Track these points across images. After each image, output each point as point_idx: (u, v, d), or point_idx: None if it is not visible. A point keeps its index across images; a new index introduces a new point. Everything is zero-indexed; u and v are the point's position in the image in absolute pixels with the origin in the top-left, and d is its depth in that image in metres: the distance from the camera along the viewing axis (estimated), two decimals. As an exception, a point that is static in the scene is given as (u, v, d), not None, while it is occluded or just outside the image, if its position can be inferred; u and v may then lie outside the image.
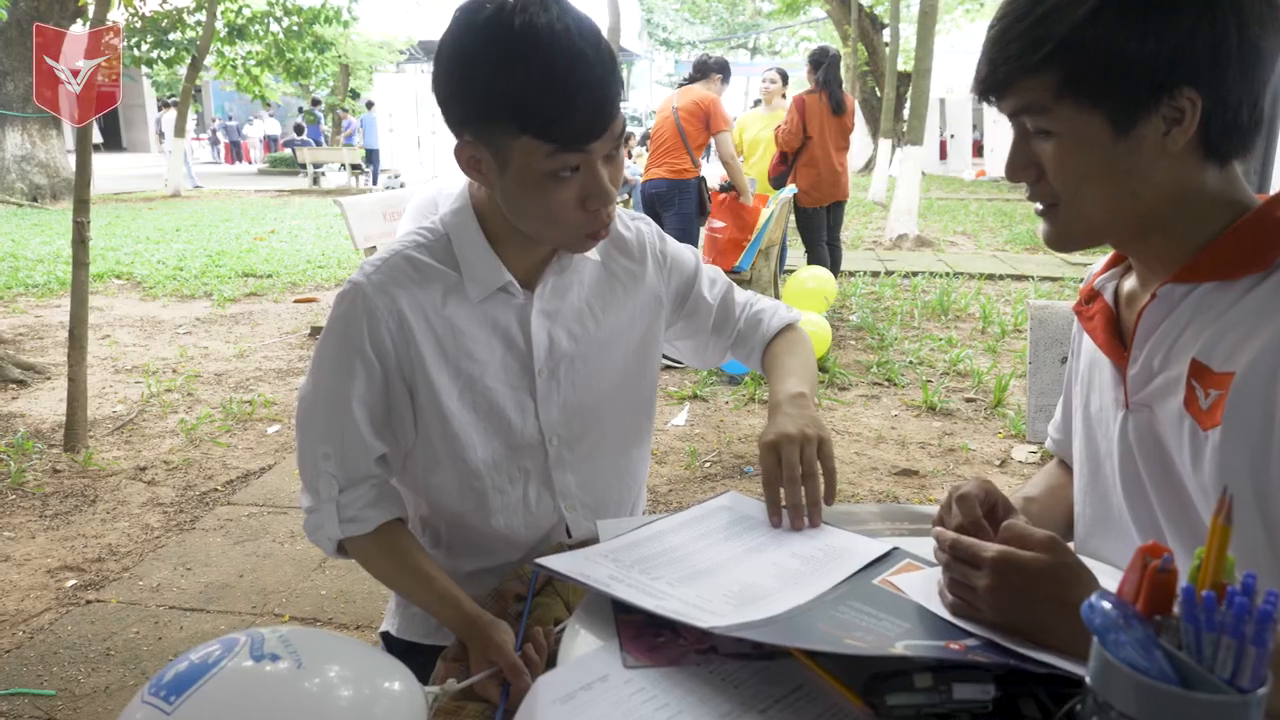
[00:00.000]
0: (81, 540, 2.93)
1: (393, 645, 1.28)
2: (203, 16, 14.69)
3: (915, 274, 7.82)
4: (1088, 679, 0.58)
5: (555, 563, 0.95)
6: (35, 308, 6.45)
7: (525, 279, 1.17)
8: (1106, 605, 0.58)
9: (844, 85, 5.95)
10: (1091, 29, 0.81)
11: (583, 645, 0.84)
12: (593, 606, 0.90)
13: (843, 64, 6.09)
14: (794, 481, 1.03)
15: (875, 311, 6.27)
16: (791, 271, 7.46)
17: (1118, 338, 0.97)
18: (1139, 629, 0.57)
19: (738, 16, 33.81)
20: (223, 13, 15.05)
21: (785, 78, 6.69)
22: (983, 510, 0.90)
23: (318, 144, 19.58)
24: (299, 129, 21.28)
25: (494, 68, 0.95)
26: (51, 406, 4.24)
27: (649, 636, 0.85)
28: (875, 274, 7.83)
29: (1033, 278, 7.64)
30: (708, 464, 3.58)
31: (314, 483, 1.15)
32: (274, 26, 15.76)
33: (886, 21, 17.17)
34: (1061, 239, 0.93)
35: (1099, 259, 1.08)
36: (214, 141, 29.12)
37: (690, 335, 1.36)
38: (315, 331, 5.65)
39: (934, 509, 1.13)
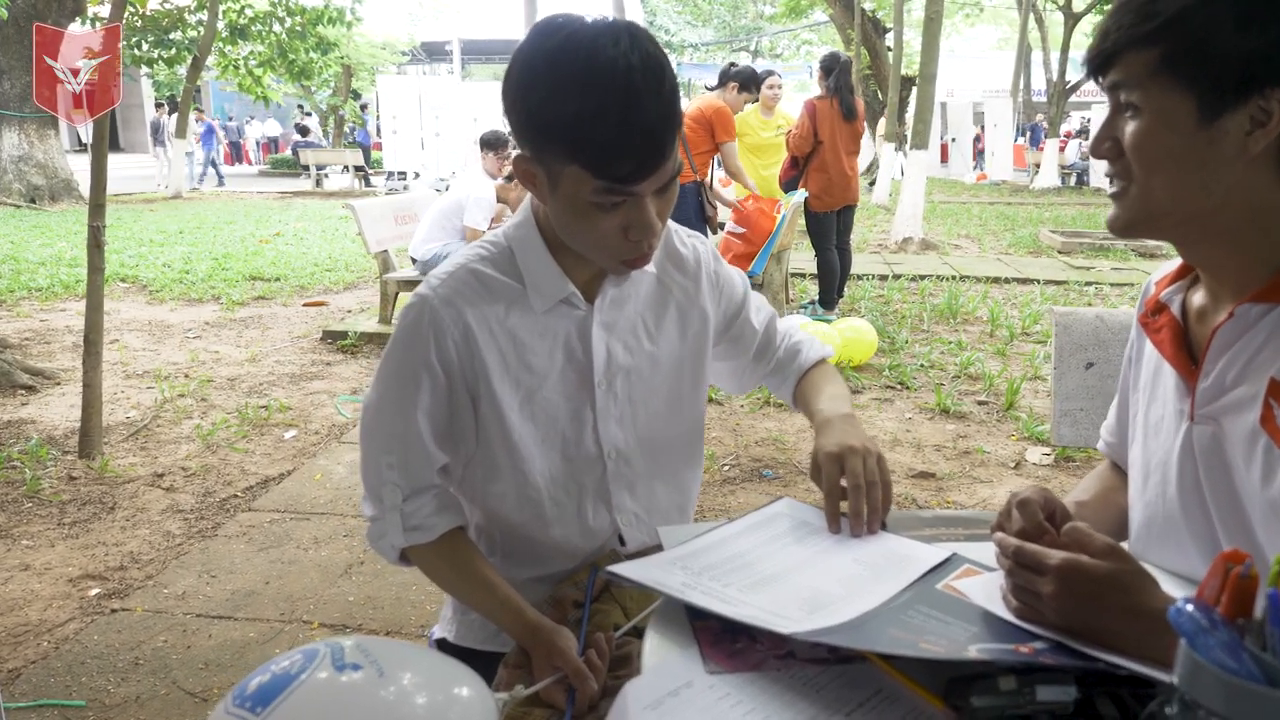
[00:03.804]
0: (102, 548, 2.94)
1: (448, 652, 1.29)
2: (204, 16, 14.70)
3: (922, 277, 7.84)
4: (1175, 679, 0.60)
5: (628, 570, 0.96)
6: (40, 311, 6.45)
7: (585, 290, 1.18)
8: (1192, 609, 0.61)
9: (854, 90, 5.96)
10: (1201, 12, 0.83)
11: (663, 652, 0.86)
12: (667, 613, 0.92)
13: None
14: (859, 489, 1.05)
15: (884, 315, 6.29)
16: (799, 275, 7.51)
17: (1186, 350, 0.98)
18: (1224, 632, 0.60)
19: (740, 19, 33.88)
20: (225, 12, 15.08)
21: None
22: (1043, 516, 0.92)
23: (365, 148, 19.45)
24: (303, 130, 21.30)
25: (552, 94, 0.96)
26: (63, 412, 4.25)
27: (727, 642, 0.86)
28: (883, 277, 7.86)
29: (1038, 281, 7.67)
30: (726, 467, 3.59)
31: (378, 491, 1.17)
32: (276, 27, 15.78)
33: (889, 25, 17.23)
34: (1124, 223, 0.94)
35: (1164, 267, 1.09)
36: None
37: (731, 358, 1.38)
38: (327, 335, 5.66)
39: (985, 514, 1.15)
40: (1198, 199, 0.88)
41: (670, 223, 1.31)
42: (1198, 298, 0.99)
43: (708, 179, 5.46)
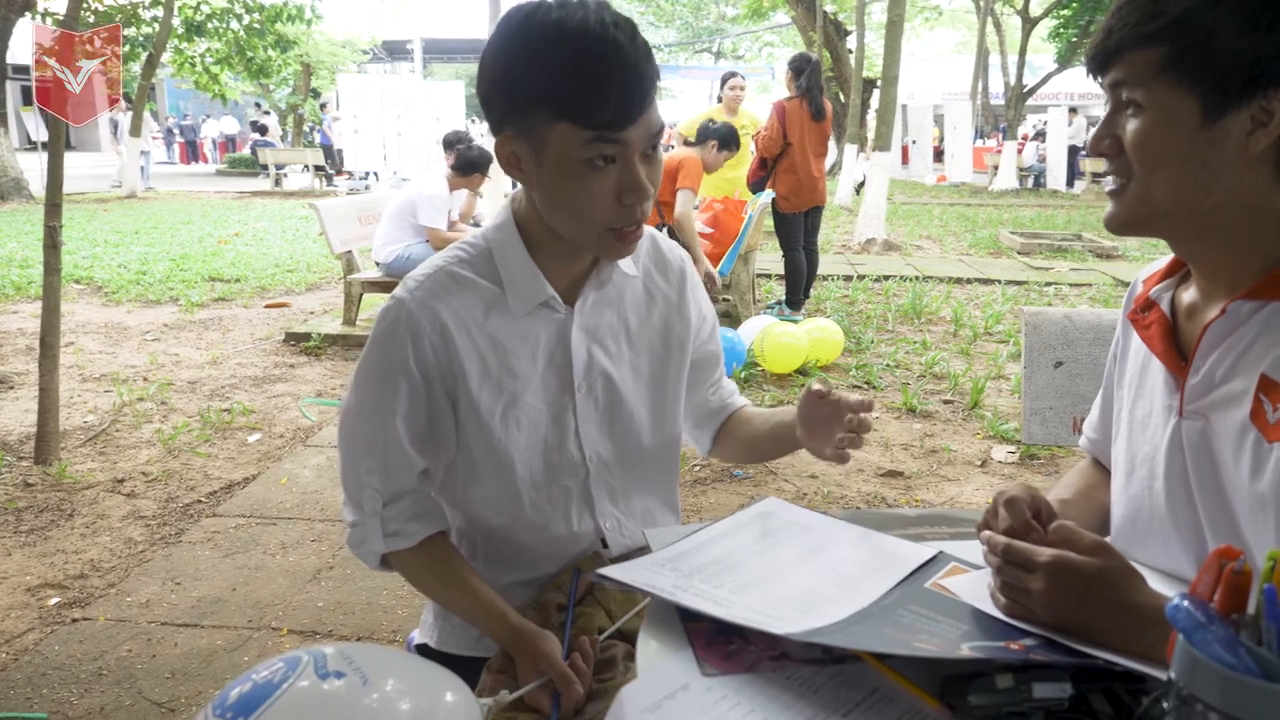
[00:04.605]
0: (61, 556, 2.86)
1: (430, 657, 1.27)
2: (159, 12, 14.39)
3: (886, 278, 7.92)
4: (1172, 674, 0.61)
5: (618, 573, 0.96)
6: (-9, 314, 6.28)
7: (566, 293, 1.17)
8: (1189, 605, 0.62)
9: (823, 91, 6.00)
10: (1207, 12, 0.84)
11: (657, 654, 0.85)
12: (659, 615, 0.91)
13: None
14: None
15: (850, 315, 6.34)
16: (764, 275, 7.55)
17: (1175, 347, 1.00)
18: (1220, 628, 0.61)
19: (702, 21, 34.01)
20: (180, 9, 14.78)
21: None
22: (1029, 514, 0.93)
23: (327, 147, 19.08)
24: (262, 129, 20.98)
25: (531, 57, 0.99)
26: (16, 417, 4.13)
27: (721, 644, 0.86)
28: (847, 278, 7.92)
29: (999, 281, 7.78)
30: (697, 467, 3.60)
31: (357, 497, 1.15)
32: (234, 24, 15.49)
33: (850, 28, 17.39)
34: (1123, 220, 0.95)
35: (1151, 265, 1.10)
36: (168, 141, 28.60)
37: (688, 384, 1.36)
38: (290, 337, 5.57)
39: (970, 513, 1.16)
40: (1197, 198, 0.89)
41: (652, 230, 1.31)
42: (1187, 295, 1.01)
43: (664, 229, 5.34)
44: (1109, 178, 0.95)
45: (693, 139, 6.73)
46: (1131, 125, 0.91)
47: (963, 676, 0.77)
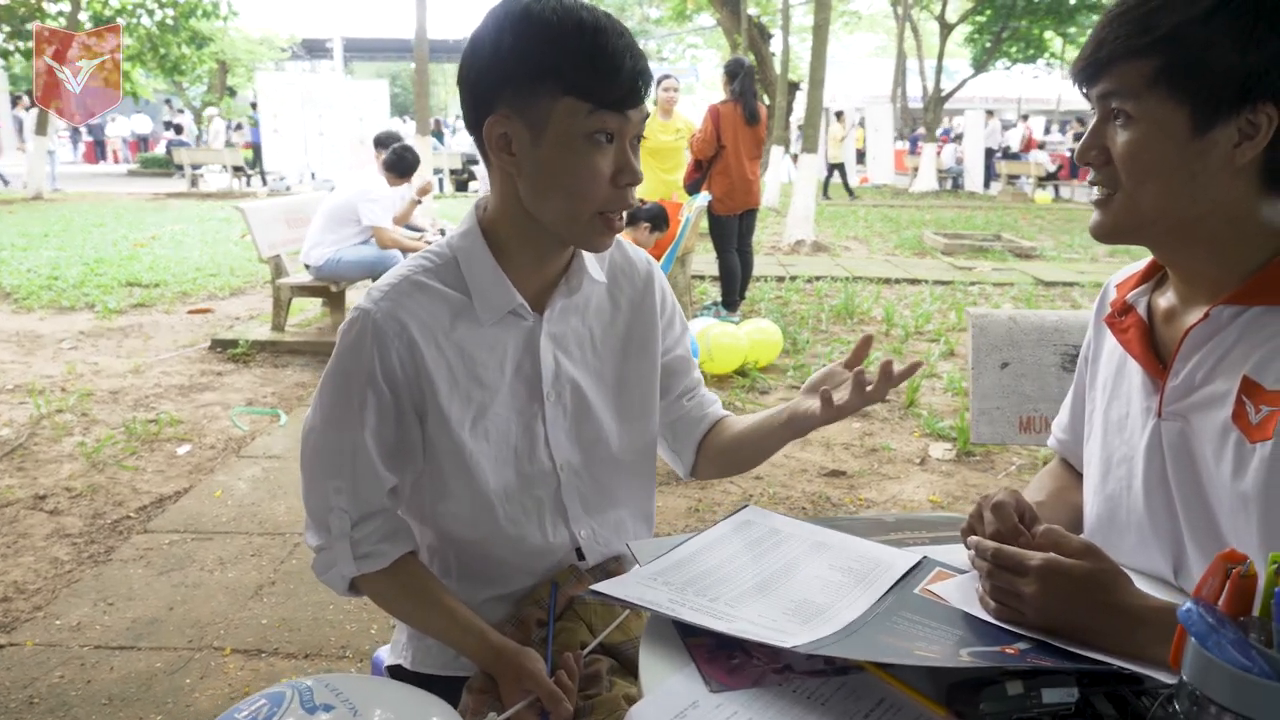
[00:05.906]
0: (-20, 578, 2.71)
1: (405, 679, 1.23)
2: (66, 6, 13.78)
3: (817, 279, 8.05)
4: (1184, 676, 0.63)
5: (611, 589, 0.94)
6: (-112, 323, 5.92)
7: (534, 301, 1.16)
8: (1201, 610, 0.64)
9: (757, 95, 6.06)
10: (1200, 27, 0.86)
11: (661, 672, 0.84)
12: (657, 631, 0.90)
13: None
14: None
15: (784, 315, 6.42)
16: (699, 277, 7.60)
17: (1152, 350, 1.03)
18: (1231, 631, 0.63)
19: (626, 22, 34.11)
20: (89, 3, 14.17)
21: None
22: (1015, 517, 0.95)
23: (255, 146, 18.22)
24: (177, 128, 20.22)
25: (543, 34, 1.01)
26: (-77, 432, 3.91)
27: (723, 659, 0.85)
28: (780, 279, 8.02)
29: (926, 281, 7.98)
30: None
31: (324, 519, 1.11)
32: (146, 19, 14.91)
33: (774, 31, 17.62)
34: (1109, 229, 0.97)
35: (1122, 271, 1.13)
36: (74, 140, 27.36)
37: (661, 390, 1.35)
38: (216, 344, 5.38)
39: (950, 516, 1.18)
40: (1184, 208, 0.92)
41: (618, 236, 1.30)
42: (1164, 299, 1.04)
43: None
44: (1095, 188, 0.97)
45: None
46: (1121, 136, 0.93)
47: (969, 684, 0.78)
